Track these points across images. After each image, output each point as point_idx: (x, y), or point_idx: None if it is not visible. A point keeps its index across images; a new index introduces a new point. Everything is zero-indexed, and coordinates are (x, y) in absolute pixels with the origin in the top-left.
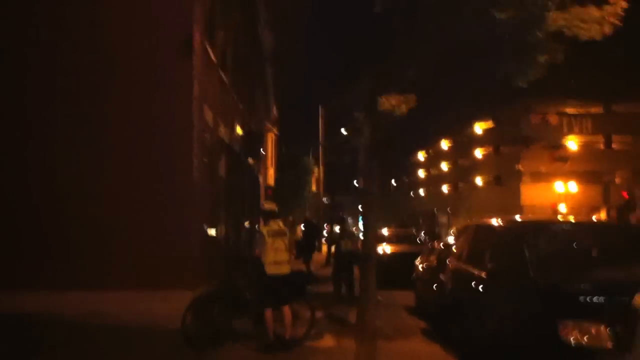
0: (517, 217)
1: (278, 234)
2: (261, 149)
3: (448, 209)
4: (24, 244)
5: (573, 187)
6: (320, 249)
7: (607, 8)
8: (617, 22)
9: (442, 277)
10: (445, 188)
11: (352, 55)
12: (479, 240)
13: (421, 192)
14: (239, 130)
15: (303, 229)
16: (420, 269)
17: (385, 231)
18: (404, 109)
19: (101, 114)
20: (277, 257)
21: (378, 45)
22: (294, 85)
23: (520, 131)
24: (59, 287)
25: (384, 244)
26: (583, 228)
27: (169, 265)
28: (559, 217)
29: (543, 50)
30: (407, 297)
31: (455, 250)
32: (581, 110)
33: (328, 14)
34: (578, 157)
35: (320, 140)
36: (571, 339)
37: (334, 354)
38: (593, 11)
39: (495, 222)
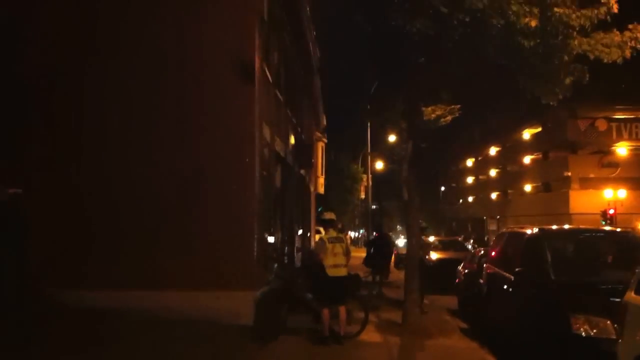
0: (544, 227)
1: (337, 240)
2: (311, 159)
3: (497, 216)
4: (96, 247)
5: (622, 193)
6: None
7: (627, 33)
8: (638, 46)
9: (480, 280)
10: (494, 195)
11: (389, 71)
12: (509, 246)
13: (470, 199)
14: (291, 141)
15: (374, 239)
16: (462, 274)
17: (432, 239)
18: (448, 118)
19: (176, 135)
20: (336, 261)
21: (415, 65)
22: (342, 94)
23: (567, 137)
24: (130, 286)
25: (431, 251)
26: (599, 235)
27: (233, 268)
28: (581, 226)
29: (568, 72)
30: (451, 301)
31: (491, 256)
32: (630, 115)
33: (368, 29)
34: (628, 163)
35: (368, 148)
36: (582, 331)
37: (381, 348)
38: (615, 36)
39: (523, 229)
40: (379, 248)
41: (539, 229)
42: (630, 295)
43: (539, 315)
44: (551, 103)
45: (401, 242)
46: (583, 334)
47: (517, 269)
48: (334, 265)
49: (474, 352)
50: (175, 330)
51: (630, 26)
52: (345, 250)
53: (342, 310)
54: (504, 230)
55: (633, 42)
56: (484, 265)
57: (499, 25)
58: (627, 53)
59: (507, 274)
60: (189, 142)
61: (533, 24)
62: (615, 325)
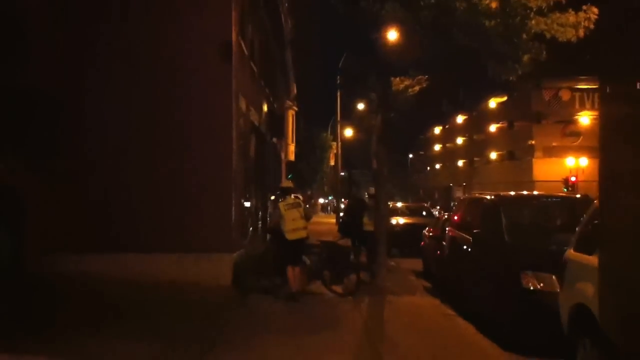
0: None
1: (293, 205)
2: (283, 128)
3: (464, 183)
4: (91, 214)
5: (584, 162)
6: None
7: (581, 14)
8: (591, 25)
9: (442, 242)
10: (460, 163)
11: (360, 49)
12: (469, 211)
13: (437, 167)
14: (264, 111)
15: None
16: (427, 238)
17: (399, 204)
18: (416, 88)
19: (160, 110)
20: (295, 225)
21: (385, 44)
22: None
23: (532, 106)
24: (121, 250)
25: (398, 216)
26: (553, 201)
27: (213, 233)
28: (536, 193)
29: (527, 50)
30: (416, 264)
31: (453, 220)
32: (593, 86)
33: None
34: (590, 133)
35: (337, 116)
36: (530, 285)
37: (350, 304)
38: (570, 17)
39: (482, 196)
40: (351, 214)
41: (496, 195)
42: (570, 252)
43: (493, 272)
44: (511, 78)
45: None
46: (531, 287)
47: (475, 231)
48: (293, 229)
49: (435, 307)
50: (159, 291)
51: (584, 7)
52: (302, 215)
53: (297, 270)
54: (465, 196)
55: (587, 22)
56: (447, 229)
57: (462, 8)
58: (581, 33)
59: (467, 236)
60: (172, 115)
61: (494, 5)
62: (558, 280)
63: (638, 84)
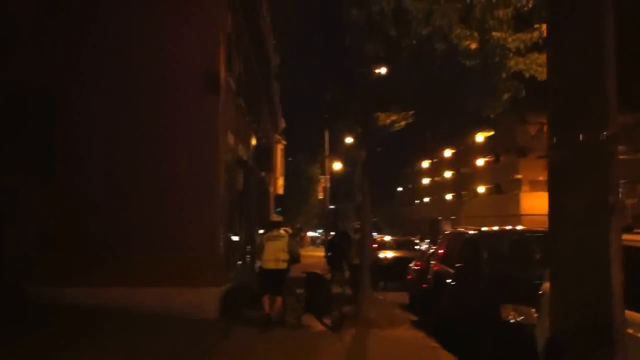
0: (483, 228)
1: (275, 237)
2: (271, 162)
3: (452, 216)
4: (76, 248)
5: None
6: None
7: None
8: None
9: (428, 276)
10: (449, 196)
11: (344, 85)
12: (452, 245)
13: (426, 200)
14: (252, 145)
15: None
16: (413, 272)
17: (387, 238)
18: (402, 123)
19: (149, 144)
20: (275, 255)
21: (367, 80)
22: (300, 98)
23: (517, 141)
24: (106, 284)
25: (386, 250)
26: (532, 236)
27: (200, 267)
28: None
29: (506, 89)
30: (404, 297)
31: (437, 254)
32: None
33: (324, 45)
34: None
35: (326, 151)
36: (510, 317)
37: (335, 337)
38: None
39: (464, 230)
40: (334, 247)
41: (477, 230)
42: (545, 284)
43: (474, 304)
44: (491, 116)
45: None
46: (511, 319)
47: (457, 265)
48: (272, 259)
49: (420, 340)
50: (144, 325)
51: None
52: (284, 248)
53: (278, 300)
54: (448, 231)
55: None
56: (431, 262)
57: (441, 49)
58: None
59: (450, 270)
60: (159, 150)
61: (473, 46)
62: (536, 313)
63: (580, 135)
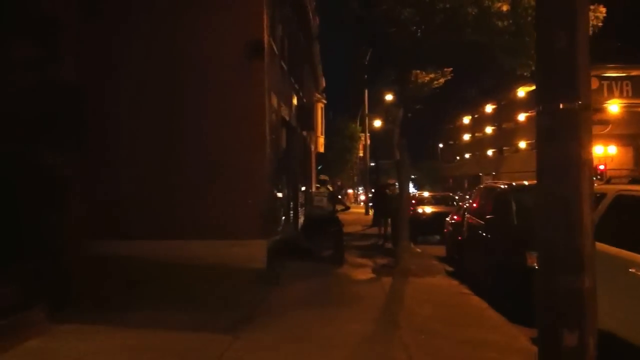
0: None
1: (321, 193)
2: (312, 121)
3: (493, 172)
4: (131, 204)
5: (612, 150)
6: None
7: (590, 14)
8: (599, 24)
9: (462, 228)
10: (490, 152)
11: (382, 45)
12: (484, 198)
13: (467, 156)
14: (294, 105)
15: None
16: (449, 225)
17: (426, 194)
18: (441, 81)
19: (199, 109)
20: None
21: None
22: (340, 58)
23: None
24: (159, 237)
25: (425, 205)
26: None
27: (247, 220)
28: None
29: None
30: (441, 251)
31: (471, 207)
32: (622, 74)
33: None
34: (618, 121)
35: (365, 109)
36: (534, 264)
37: (375, 283)
38: None
39: (496, 185)
40: (377, 203)
41: (508, 184)
42: None
43: (503, 252)
44: (525, 74)
45: None
46: (535, 266)
47: (487, 217)
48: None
49: (453, 287)
50: (199, 273)
51: (591, 7)
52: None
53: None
54: (482, 185)
55: (594, 20)
56: (466, 215)
57: (474, 13)
58: (589, 31)
59: (481, 222)
60: (209, 114)
61: (505, 8)
62: None
63: (560, 104)
